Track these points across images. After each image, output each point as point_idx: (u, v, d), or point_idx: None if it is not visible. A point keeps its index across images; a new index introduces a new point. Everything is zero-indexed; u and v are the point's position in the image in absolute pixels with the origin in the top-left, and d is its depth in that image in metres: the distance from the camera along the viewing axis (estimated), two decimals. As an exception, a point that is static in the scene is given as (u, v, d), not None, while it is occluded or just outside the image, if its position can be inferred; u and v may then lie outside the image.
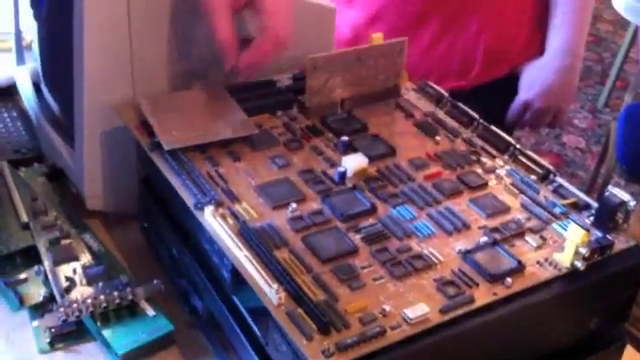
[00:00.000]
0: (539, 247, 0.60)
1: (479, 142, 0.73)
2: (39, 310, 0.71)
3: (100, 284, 0.71)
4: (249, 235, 0.58)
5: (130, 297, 0.70)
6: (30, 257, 0.75)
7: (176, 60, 0.76)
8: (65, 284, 0.71)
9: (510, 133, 1.24)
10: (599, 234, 0.61)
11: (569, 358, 0.62)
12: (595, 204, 0.64)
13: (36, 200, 0.81)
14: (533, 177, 0.68)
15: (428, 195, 0.65)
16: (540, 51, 1.15)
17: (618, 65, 2.62)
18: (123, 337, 0.68)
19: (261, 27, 0.70)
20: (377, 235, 0.60)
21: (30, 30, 0.92)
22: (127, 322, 0.69)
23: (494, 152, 0.71)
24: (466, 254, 0.58)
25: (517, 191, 0.66)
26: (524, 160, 0.70)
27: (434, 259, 0.58)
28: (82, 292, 0.70)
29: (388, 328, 0.51)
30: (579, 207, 0.65)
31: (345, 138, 0.70)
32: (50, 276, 0.72)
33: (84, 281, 0.72)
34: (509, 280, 0.56)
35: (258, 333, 0.58)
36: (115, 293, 0.70)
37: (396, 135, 0.73)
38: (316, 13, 0.83)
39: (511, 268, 0.57)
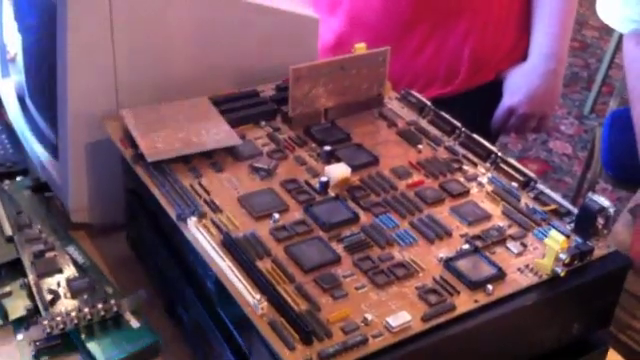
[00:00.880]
0: (520, 254, 0.61)
1: (461, 150, 0.73)
2: (23, 323, 0.71)
3: (85, 296, 0.72)
4: (232, 245, 0.58)
5: (114, 309, 0.70)
6: (15, 270, 0.75)
7: (159, 73, 0.76)
8: (49, 297, 0.71)
9: (495, 138, 1.25)
10: (579, 240, 0.62)
11: (552, 363, 0.63)
12: (576, 210, 0.65)
13: (20, 213, 0.81)
14: (515, 184, 0.69)
15: (410, 203, 0.65)
16: (524, 56, 1.16)
17: (604, 71, 2.64)
18: (108, 349, 0.68)
19: None
20: (359, 244, 0.60)
21: (14, 43, 0.92)
22: (112, 334, 0.69)
23: (476, 160, 0.72)
24: (447, 262, 0.59)
25: (498, 198, 0.67)
26: (506, 168, 0.70)
27: (416, 267, 0.58)
28: (66, 305, 0.70)
29: (370, 337, 0.51)
30: (560, 214, 0.65)
31: (328, 148, 0.71)
32: (34, 289, 0.72)
33: (68, 294, 0.72)
34: (490, 287, 0.57)
35: (242, 344, 0.58)
36: (99, 305, 0.70)
37: (379, 144, 0.74)
38: (299, 23, 0.84)
39: (492, 275, 0.58)
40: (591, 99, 2.72)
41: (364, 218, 0.63)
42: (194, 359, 0.69)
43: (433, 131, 0.76)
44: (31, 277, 0.73)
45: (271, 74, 0.81)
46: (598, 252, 0.61)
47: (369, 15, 1.10)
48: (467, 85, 1.15)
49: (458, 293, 0.56)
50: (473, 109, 1.12)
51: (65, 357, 0.70)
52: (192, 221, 0.60)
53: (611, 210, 0.62)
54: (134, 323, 0.70)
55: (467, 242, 0.61)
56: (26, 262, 0.75)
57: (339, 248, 0.60)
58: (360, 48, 0.78)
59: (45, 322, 0.68)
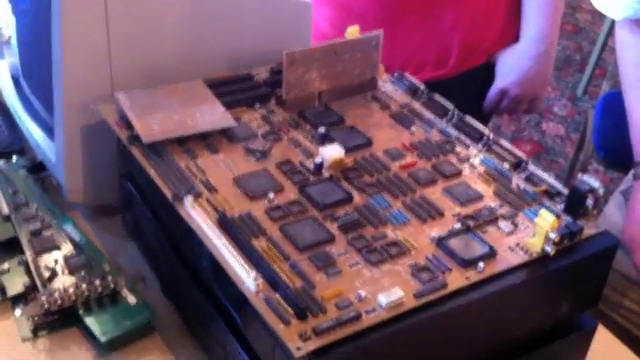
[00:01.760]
0: (511, 233, 0.62)
1: (454, 132, 0.74)
2: (22, 300, 0.72)
3: (82, 273, 0.73)
4: (227, 225, 0.59)
5: (112, 285, 0.71)
6: (12, 248, 0.76)
7: (154, 56, 0.77)
8: (47, 274, 0.72)
9: (488, 120, 1.26)
10: (570, 220, 0.63)
11: (540, 342, 0.64)
12: (566, 191, 0.66)
13: (17, 193, 0.82)
14: (506, 165, 0.70)
15: (403, 184, 0.67)
16: (515, 39, 1.17)
17: (597, 54, 2.65)
18: (105, 325, 0.69)
19: None
20: (353, 223, 0.61)
21: (9, 25, 0.92)
22: (109, 310, 0.71)
23: (468, 142, 0.73)
24: (440, 241, 0.60)
25: (490, 179, 0.68)
26: (497, 149, 0.71)
27: (408, 246, 0.59)
28: (64, 281, 0.72)
29: (363, 313, 0.53)
30: (551, 194, 0.66)
31: (322, 129, 0.71)
32: (32, 266, 0.73)
33: (66, 271, 0.73)
34: (481, 265, 0.58)
35: (238, 320, 0.59)
36: (97, 282, 0.71)
37: (372, 126, 0.74)
38: (292, 8, 0.84)
39: (483, 253, 0.59)
40: (584, 81, 2.73)
41: (358, 198, 0.64)
42: (190, 337, 0.71)
43: (426, 113, 0.77)
44: (29, 254, 0.74)
45: (265, 58, 0.81)
46: (587, 232, 0.62)
47: (360, 3, 1.11)
48: (458, 69, 1.16)
49: (450, 271, 0.57)
50: (466, 92, 1.13)
51: (63, 332, 0.71)
52: (188, 200, 0.61)
53: (601, 191, 0.64)
54: (131, 300, 0.71)
55: (459, 221, 0.62)
56: (23, 240, 0.76)
57: (333, 227, 0.61)
58: (352, 32, 0.79)
59: (43, 298, 0.69)
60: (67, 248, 0.76)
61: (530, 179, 0.68)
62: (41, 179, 0.86)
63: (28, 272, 0.74)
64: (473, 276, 0.57)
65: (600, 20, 2.93)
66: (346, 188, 0.65)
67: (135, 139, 0.68)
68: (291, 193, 0.64)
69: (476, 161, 0.70)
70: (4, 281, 0.73)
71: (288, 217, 0.61)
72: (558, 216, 0.62)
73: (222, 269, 0.57)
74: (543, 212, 0.60)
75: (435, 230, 0.61)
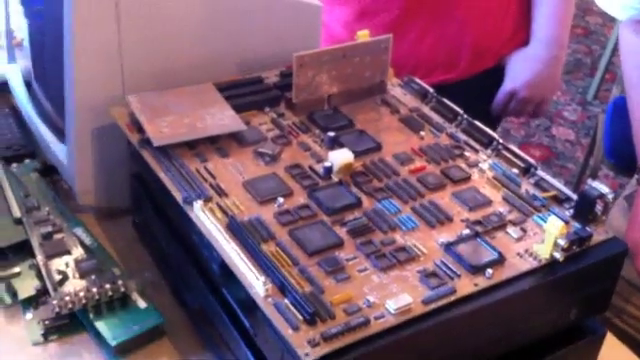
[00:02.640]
0: (520, 239, 0.62)
1: (463, 137, 0.74)
2: (32, 303, 0.73)
3: (92, 277, 0.73)
4: (237, 229, 0.59)
5: (122, 289, 0.71)
6: (23, 251, 0.77)
7: (165, 59, 0.77)
8: (58, 277, 0.73)
9: (497, 123, 1.26)
10: (578, 226, 0.63)
11: (550, 348, 0.64)
12: (575, 197, 0.66)
13: (28, 196, 0.82)
14: (515, 170, 0.70)
15: (412, 189, 0.67)
16: (525, 42, 1.17)
17: (607, 58, 2.64)
18: (115, 329, 0.69)
19: None
20: (362, 228, 0.61)
21: (21, 28, 0.93)
22: (119, 314, 0.71)
23: (477, 146, 0.73)
24: (448, 246, 0.60)
25: (499, 184, 0.68)
26: (507, 154, 0.71)
27: (417, 251, 0.60)
28: (75, 285, 0.72)
29: (372, 318, 0.53)
30: (560, 200, 0.66)
31: (331, 134, 0.72)
32: (43, 270, 0.74)
33: (77, 274, 0.73)
34: (490, 271, 0.58)
35: (247, 325, 0.59)
36: (107, 286, 0.71)
37: (382, 130, 0.75)
38: (302, 10, 0.84)
39: (492, 259, 0.59)
40: (594, 86, 2.72)
41: (367, 203, 0.65)
42: (200, 341, 0.71)
43: (435, 118, 0.77)
44: (40, 258, 0.75)
45: (275, 60, 0.82)
46: (596, 238, 0.62)
47: (374, 3, 1.11)
48: (469, 71, 1.16)
49: (458, 277, 0.57)
50: (476, 94, 1.14)
51: (73, 336, 0.71)
52: (198, 204, 0.61)
53: (610, 197, 0.63)
54: (141, 304, 0.72)
55: (468, 227, 0.62)
56: (35, 243, 0.76)
57: (342, 232, 0.61)
58: (363, 35, 0.79)
59: (54, 302, 0.70)
60: (78, 252, 0.76)
61: (539, 184, 0.68)
62: (52, 182, 0.86)
63: (39, 276, 0.74)
64: (482, 282, 0.57)
65: (611, 23, 2.93)
66: (355, 192, 0.65)
67: (146, 142, 0.68)
68: (300, 197, 0.65)
69: (485, 166, 0.70)
70: (15, 284, 0.74)
71: (297, 221, 0.62)
72: (567, 222, 0.62)
73: (232, 273, 0.57)
74: (552, 218, 0.60)
75: (444, 235, 0.62)
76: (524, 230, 0.63)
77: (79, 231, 0.79)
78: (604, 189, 0.63)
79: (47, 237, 0.77)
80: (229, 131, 0.71)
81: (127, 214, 0.82)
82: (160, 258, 0.76)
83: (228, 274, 0.58)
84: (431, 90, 0.80)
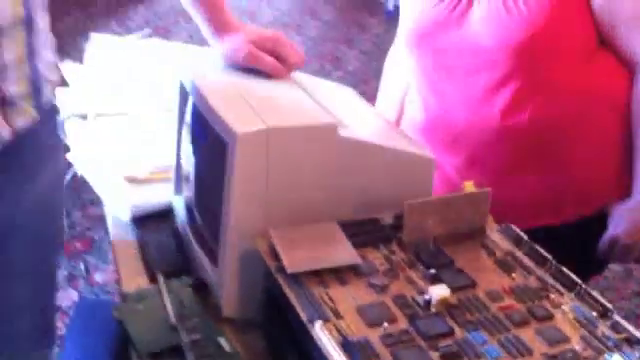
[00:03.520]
0: (591, 374, 0.71)
1: (550, 280, 0.85)
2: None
3: (230, 379, 0.88)
4: (349, 348, 0.73)
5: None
6: (176, 354, 0.94)
7: (300, 202, 0.95)
8: (201, 377, 0.89)
9: (602, 268, 1.33)
10: (644, 366, 0.72)
11: None
12: (646, 340, 0.75)
13: (183, 306, 1.00)
14: (594, 313, 0.80)
15: (500, 323, 0.78)
16: (628, 189, 1.26)
17: None
18: None
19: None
20: (453, 354, 0.73)
21: (189, 163, 1.14)
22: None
23: (562, 289, 0.84)
24: (526, 376, 0.71)
25: (578, 325, 0.78)
26: (587, 298, 0.82)
27: (498, 378, 0.71)
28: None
29: None
30: (631, 342, 0.75)
31: (433, 271, 0.85)
32: (191, 370, 0.90)
33: (218, 376, 0.89)
34: (560, 400, 0.68)
35: None
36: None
37: (478, 270, 0.87)
38: (416, 161, 1.00)
39: (563, 390, 0.69)
40: None
41: (458, 333, 0.77)
42: None
43: (527, 262, 0.89)
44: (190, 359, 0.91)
45: (391, 204, 0.97)
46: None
47: (482, 154, 1.26)
48: (574, 217, 1.26)
49: (533, 403, 0.68)
50: (580, 240, 1.23)
51: None
52: (318, 324, 0.76)
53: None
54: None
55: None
56: (186, 347, 0.93)
57: (435, 356, 0.73)
58: (468, 186, 0.94)
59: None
60: (220, 356, 0.92)
61: (614, 327, 0.77)
62: (202, 296, 1.04)
63: (189, 374, 0.90)
64: (552, 410, 0.67)
65: None
66: (449, 323, 0.78)
67: (281, 269, 0.85)
68: (402, 323, 0.78)
69: (567, 308, 0.81)
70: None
71: (398, 344, 0.75)
72: (634, 362, 0.71)
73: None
74: (616, 356, 0.69)
75: (523, 365, 0.72)
76: (595, 366, 0.72)
77: (221, 340, 0.95)
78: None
79: (196, 342, 0.94)
80: (348, 264, 0.86)
81: (259, 327, 0.97)
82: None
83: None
84: (525, 237, 0.92)
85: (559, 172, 1.26)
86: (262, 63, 1.07)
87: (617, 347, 0.75)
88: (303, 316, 0.78)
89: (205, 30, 1.15)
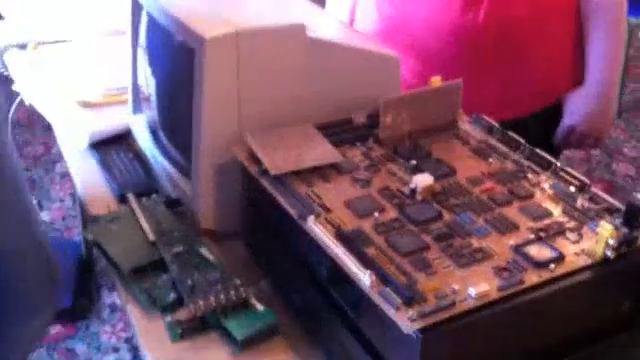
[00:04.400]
0: (576, 242, 0.74)
1: (525, 162, 0.88)
2: (169, 309, 0.88)
3: (218, 286, 0.88)
4: (344, 237, 0.74)
5: (243, 295, 0.87)
6: (158, 268, 0.93)
7: (273, 106, 0.94)
8: (190, 287, 0.88)
9: (557, 155, 1.38)
10: (627, 231, 0.75)
11: (605, 335, 0.76)
12: (624, 207, 0.78)
13: (159, 223, 0.99)
14: (572, 188, 0.83)
15: (484, 205, 0.80)
16: (580, 81, 1.30)
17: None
18: (240, 327, 0.84)
19: None
20: (444, 235, 0.75)
21: (149, 85, 1.11)
22: (242, 315, 0.86)
23: (538, 169, 0.86)
24: (517, 248, 0.73)
25: (558, 200, 0.81)
26: (564, 175, 0.84)
27: (491, 252, 0.73)
28: (205, 293, 0.87)
29: (457, 301, 0.66)
30: (611, 211, 0.79)
31: (413, 162, 0.86)
32: (177, 282, 0.89)
33: (205, 285, 0.89)
34: (552, 266, 0.71)
35: (351, 316, 0.73)
36: (232, 292, 0.86)
37: (455, 159, 0.89)
38: (384, 61, 1.00)
39: (554, 257, 0.72)
40: (654, 123, 2.80)
41: (447, 216, 0.78)
42: (306, 336, 0.85)
43: (501, 147, 0.91)
44: (174, 272, 0.91)
45: (362, 105, 0.97)
46: (643, 241, 0.75)
47: (440, 56, 1.27)
48: (530, 109, 1.29)
49: (526, 271, 0.70)
50: (537, 129, 1.27)
51: (204, 334, 0.86)
52: (311, 219, 0.76)
53: (654, 206, 0.76)
54: (259, 307, 0.87)
55: (532, 233, 0.75)
56: (168, 261, 0.93)
57: (428, 238, 0.75)
58: (435, 81, 0.94)
59: (191, 306, 0.85)
60: (204, 266, 0.92)
61: (593, 199, 0.81)
62: (177, 212, 1.03)
63: (174, 287, 0.90)
64: (545, 275, 0.70)
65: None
66: (436, 208, 0.79)
67: (264, 172, 0.84)
68: (391, 213, 0.79)
69: (546, 185, 0.84)
70: (154, 294, 0.90)
71: (391, 231, 0.76)
72: (617, 228, 0.75)
73: (340, 272, 0.71)
74: (604, 223, 0.72)
75: (512, 240, 0.75)
76: (580, 235, 0.75)
77: (203, 250, 0.95)
78: (649, 200, 0.76)
79: (178, 255, 0.94)
80: (329, 162, 0.86)
81: (238, 238, 0.97)
82: (272, 270, 0.91)
83: (335, 275, 0.73)
84: (496, 125, 0.94)
85: (516, 72, 1.29)
86: None
87: (599, 217, 0.78)
88: (293, 214, 0.79)
89: None
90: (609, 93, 1.28)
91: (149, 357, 0.85)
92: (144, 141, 1.13)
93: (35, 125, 2.63)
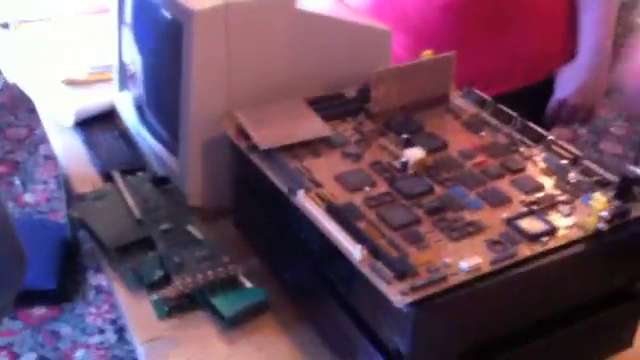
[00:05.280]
0: (569, 215, 0.74)
1: (517, 136, 0.87)
2: (155, 287, 0.87)
3: (206, 263, 0.87)
4: (334, 211, 0.73)
5: (232, 272, 0.85)
6: (146, 246, 0.91)
7: (263, 80, 0.92)
8: (177, 265, 0.87)
9: (548, 131, 1.37)
10: (619, 203, 0.74)
11: (598, 308, 0.75)
12: (616, 180, 0.77)
13: (146, 201, 0.98)
14: (564, 161, 0.82)
15: (476, 178, 0.79)
16: (573, 56, 1.29)
17: (654, 75, 2.72)
18: (228, 304, 0.83)
19: None
20: (436, 209, 0.74)
21: (134, 63, 1.09)
22: (230, 293, 0.85)
23: (530, 143, 0.85)
24: (509, 221, 0.72)
25: (551, 173, 0.80)
26: (556, 148, 0.84)
27: (483, 225, 0.72)
28: (193, 270, 0.86)
29: (449, 275, 0.65)
30: (603, 183, 0.78)
31: (405, 136, 0.85)
32: (164, 259, 0.88)
33: (193, 262, 0.87)
34: (545, 239, 0.70)
35: (342, 291, 0.72)
36: (220, 269, 0.85)
37: (447, 132, 0.87)
38: (375, 35, 0.99)
39: (546, 230, 0.71)
40: (642, 103, 2.80)
41: (438, 190, 0.77)
42: (296, 312, 0.84)
43: (493, 121, 0.90)
44: (160, 250, 0.89)
45: (350, 78, 0.96)
46: (635, 213, 0.74)
47: (430, 30, 1.25)
48: (523, 84, 1.28)
49: (518, 244, 0.69)
50: (528, 105, 1.25)
51: (192, 312, 0.85)
52: (301, 193, 0.75)
53: (646, 178, 0.75)
54: (247, 284, 0.86)
55: (525, 206, 0.75)
56: (155, 238, 0.91)
57: (419, 212, 0.74)
58: (427, 55, 0.93)
59: (178, 282, 0.84)
60: (192, 243, 0.90)
61: (585, 172, 0.80)
62: (164, 190, 1.01)
63: (161, 264, 0.89)
64: (538, 247, 0.69)
65: (657, 42, 3.00)
66: (428, 182, 0.78)
67: (253, 147, 0.83)
68: (383, 187, 0.78)
69: (538, 158, 0.83)
70: (141, 272, 0.88)
71: (382, 205, 0.75)
72: (609, 200, 0.74)
73: (332, 247, 0.70)
74: (596, 195, 0.71)
75: (505, 213, 0.74)
76: (573, 207, 0.75)
77: (191, 227, 0.93)
78: (640, 172, 0.75)
79: (165, 232, 0.92)
80: (319, 136, 0.85)
81: (226, 216, 0.96)
82: (262, 247, 0.90)
83: (326, 250, 0.72)
84: (488, 98, 0.93)
85: (508, 45, 1.27)
86: None
87: (591, 190, 0.77)
88: (284, 188, 0.77)
89: None
90: (601, 64, 1.27)
91: (136, 335, 0.84)
92: (130, 119, 1.12)
93: (19, 108, 2.60)
